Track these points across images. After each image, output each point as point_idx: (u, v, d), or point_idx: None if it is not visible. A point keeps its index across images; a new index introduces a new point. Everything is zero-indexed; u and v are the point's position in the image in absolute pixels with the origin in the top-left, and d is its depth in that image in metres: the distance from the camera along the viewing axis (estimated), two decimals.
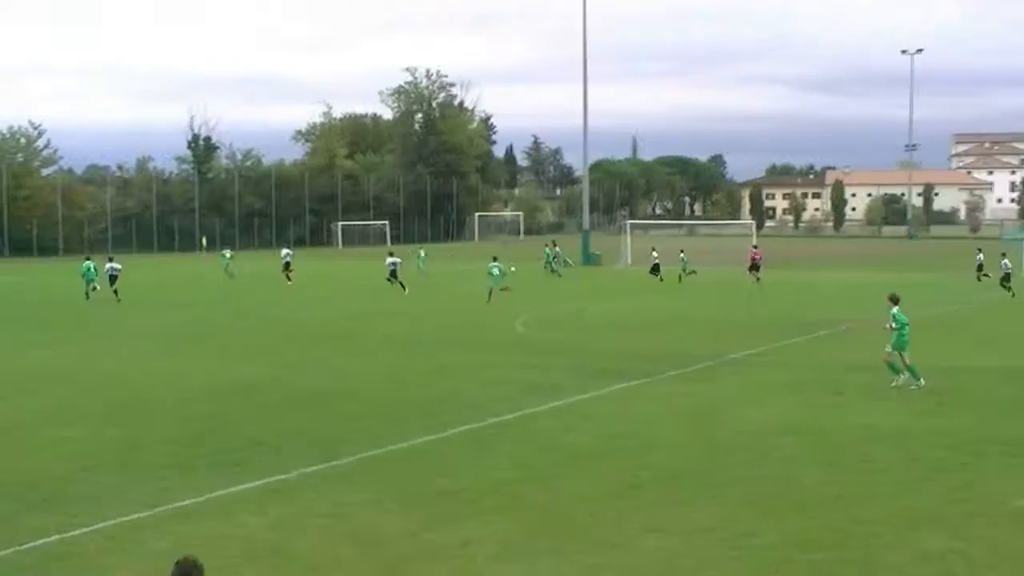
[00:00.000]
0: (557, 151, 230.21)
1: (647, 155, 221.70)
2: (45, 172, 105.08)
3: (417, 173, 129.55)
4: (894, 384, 23.17)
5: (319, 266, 51.57)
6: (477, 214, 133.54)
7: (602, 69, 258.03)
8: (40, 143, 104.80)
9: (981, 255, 55.50)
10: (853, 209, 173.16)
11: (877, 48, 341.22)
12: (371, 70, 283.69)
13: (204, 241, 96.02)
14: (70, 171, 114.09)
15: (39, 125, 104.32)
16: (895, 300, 23.76)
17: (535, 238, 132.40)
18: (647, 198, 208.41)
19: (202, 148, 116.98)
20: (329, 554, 12.47)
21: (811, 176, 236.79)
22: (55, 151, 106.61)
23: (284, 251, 63.12)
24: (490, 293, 44.88)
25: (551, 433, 19.06)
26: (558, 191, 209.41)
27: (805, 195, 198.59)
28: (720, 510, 14.16)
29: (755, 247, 58.02)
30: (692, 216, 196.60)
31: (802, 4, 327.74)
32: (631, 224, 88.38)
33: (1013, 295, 46.54)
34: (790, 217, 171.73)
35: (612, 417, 20.56)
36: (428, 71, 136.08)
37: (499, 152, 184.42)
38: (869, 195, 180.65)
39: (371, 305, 44.61)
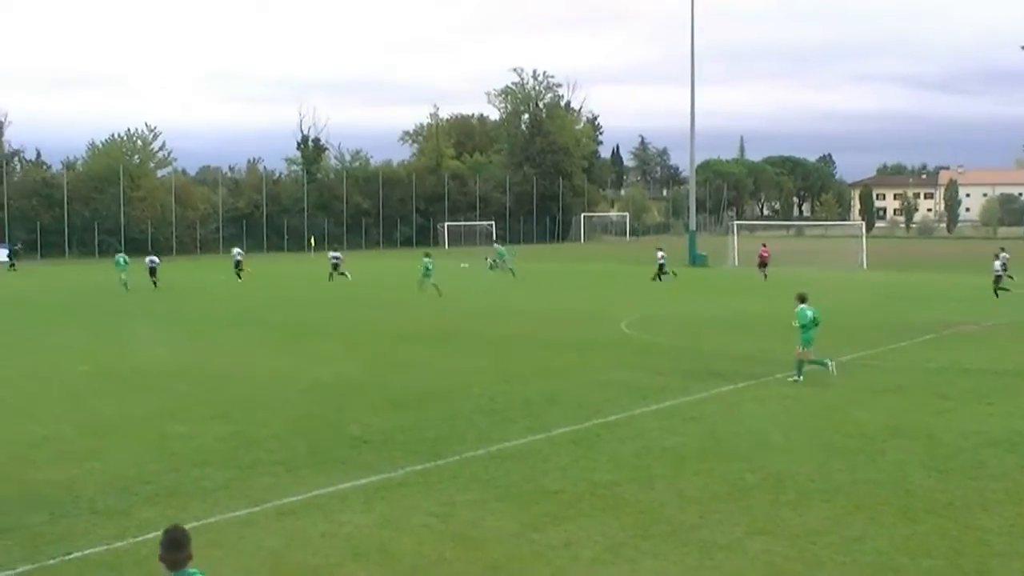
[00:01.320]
0: (664, 151, 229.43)
1: (755, 155, 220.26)
2: (160, 173, 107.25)
3: (523, 173, 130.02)
4: (793, 379, 24.30)
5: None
6: (583, 214, 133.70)
7: (709, 69, 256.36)
8: (155, 145, 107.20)
9: None
10: (967, 209, 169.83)
11: (995, 45, 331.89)
12: (477, 71, 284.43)
13: (312, 241, 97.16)
14: (183, 172, 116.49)
15: (154, 127, 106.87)
16: (802, 299, 24.91)
17: (640, 239, 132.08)
18: (755, 198, 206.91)
19: (311, 149, 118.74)
20: (433, 553, 12.54)
21: (924, 176, 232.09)
22: (169, 153, 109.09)
23: (235, 250, 63.95)
24: (420, 285, 48.81)
25: (656, 434, 18.95)
26: (664, 192, 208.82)
27: (917, 195, 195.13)
28: (828, 514, 13.97)
29: (764, 245, 61.34)
30: (801, 217, 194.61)
31: (916, 1, 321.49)
32: (738, 225, 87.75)
33: None
34: (901, 218, 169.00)
35: (718, 419, 20.38)
36: (535, 72, 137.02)
37: (605, 152, 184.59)
38: (984, 195, 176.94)
39: (473, 304, 44.80)
